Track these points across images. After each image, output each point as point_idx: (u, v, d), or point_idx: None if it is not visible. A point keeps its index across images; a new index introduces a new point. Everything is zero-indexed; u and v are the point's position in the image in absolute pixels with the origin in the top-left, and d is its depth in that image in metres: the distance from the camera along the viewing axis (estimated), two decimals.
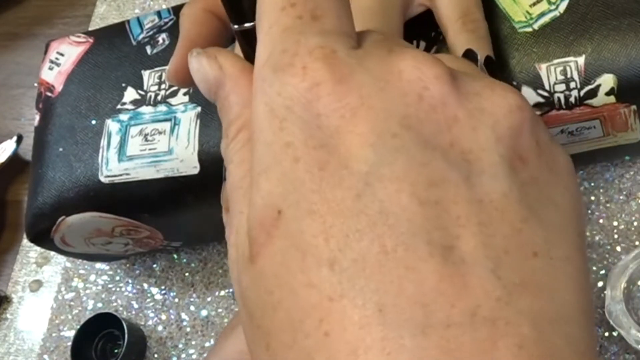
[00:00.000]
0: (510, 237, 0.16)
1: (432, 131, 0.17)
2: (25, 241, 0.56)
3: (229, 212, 0.31)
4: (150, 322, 0.50)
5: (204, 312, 0.49)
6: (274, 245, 0.17)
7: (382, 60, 0.18)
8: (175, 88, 0.42)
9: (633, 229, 0.43)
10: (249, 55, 0.21)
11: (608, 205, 0.44)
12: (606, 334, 0.41)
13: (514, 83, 0.37)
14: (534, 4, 0.38)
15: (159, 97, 0.43)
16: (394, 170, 0.16)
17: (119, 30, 0.47)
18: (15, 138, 0.59)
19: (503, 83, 0.19)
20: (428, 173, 0.16)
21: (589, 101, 0.37)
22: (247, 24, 0.22)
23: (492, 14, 0.37)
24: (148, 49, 0.45)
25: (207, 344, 0.48)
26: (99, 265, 0.53)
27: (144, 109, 0.43)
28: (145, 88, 0.43)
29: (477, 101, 0.18)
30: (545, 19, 0.38)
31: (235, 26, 0.22)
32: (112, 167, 0.42)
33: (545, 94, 0.37)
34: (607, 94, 0.36)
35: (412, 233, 0.16)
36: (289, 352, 0.16)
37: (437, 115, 0.17)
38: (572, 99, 0.37)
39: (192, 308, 0.49)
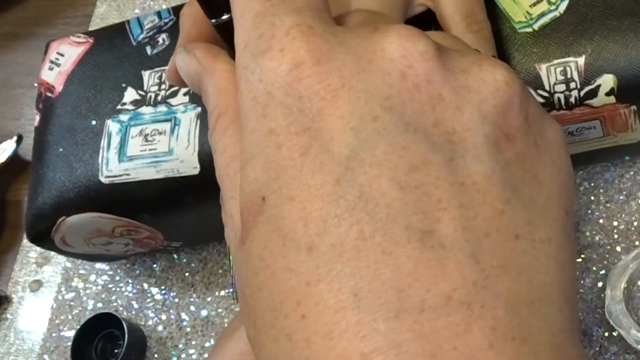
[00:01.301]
0: (492, 219, 0.16)
1: (415, 111, 0.17)
2: (25, 241, 0.56)
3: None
4: (150, 322, 0.50)
5: (204, 312, 0.49)
6: (259, 229, 0.17)
7: (365, 39, 0.18)
8: (175, 88, 0.42)
9: (633, 229, 0.43)
10: (231, 48, 0.20)
11: (608, 205, 0.44)
12: (606, 334, 0.41)
13: None
14: (534, 5, 0.38)
15: (159, 98, 0.43)
16: (375, 155, 0.16)
17: (119, 31, 0.47)
18: (15, 138, 0.59)
19: (492, 58, 0.18)
20: (409, 156, 0.16)
21: (589, 101, 0.37)
22: (224, 17, 0.22)
23: (492, 14, 0.37)
24: (148, 49, 0.45)
25: (207, 344, 0.48)
26: (99, 265, 0.53)
27: (144, 109, 0.43)
28: (145, 88, 0.43)
29: (464, 78, 0.17)
30: (545, 19, 0.38)
31: (212, 20, 0.22)
32: (112, 168, 0.42)
33: (545, 94, 0.37)
34: (607, 94, 0.36)
35: (391, 218, 0.16)
36: (270, 330, 0.17)
37: (421, 94, 0.17)
38: (572, 99, 0.37)
39: (192, 308, 0.49)
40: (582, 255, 0.43)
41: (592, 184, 0.45)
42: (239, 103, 0.18)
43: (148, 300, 0.50)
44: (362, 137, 0.16)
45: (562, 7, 0.38)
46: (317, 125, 0.17)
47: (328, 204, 0.16)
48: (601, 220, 0.44)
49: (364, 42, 0.17)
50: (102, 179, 0.42)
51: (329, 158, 0.16)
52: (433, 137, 0.17)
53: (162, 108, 0.42)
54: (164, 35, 0.45)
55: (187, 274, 0.51)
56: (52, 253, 0.53)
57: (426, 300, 0.15)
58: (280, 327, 0.17)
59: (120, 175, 0.41)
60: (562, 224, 0.18)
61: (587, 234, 0.43)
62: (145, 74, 0.44)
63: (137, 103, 0.43)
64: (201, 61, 0.22)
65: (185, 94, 0.42)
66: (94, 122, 0.44)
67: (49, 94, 0.46)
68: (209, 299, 0.49)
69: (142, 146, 0.41)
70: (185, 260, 0.51)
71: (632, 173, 0.44)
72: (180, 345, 0.48)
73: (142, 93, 0.43)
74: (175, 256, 0.51)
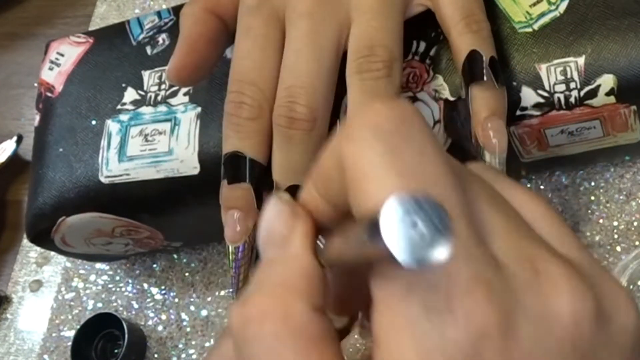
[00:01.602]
0: None
1: None
2: (25, 241, 0.56)
3: (225, 208, 0.29)
4: (150, 322, 0.50)
5: (204, 312, 0.49)
6: None
7: (536, 293, 0.16)
8: (175, 88, 0.42)
9: (633, 229, 0.43)
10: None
11: (608, 205, 0.44)
12: None
13: (514, 83, 0.37)
14: (534, 4, 0.38)
15: (159, 98, 0.43)
16: None
17: (119, 31, 0.47)
18: (15, 138, 0.59)
19: (623, 293, 0.18)
20: None
21: (589, 101, 0.37)
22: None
23: (492, 14, 0.37)
24: (148, 49, 0.45)
25: (207, 344, 0.48)
26: (99, 265, 0.53)
27: (144, 109, 0.43)
28: (145, 88, 0.43)
29: (610, 331, 0.17)
30: (545, 19, 0.38)
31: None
32: (112, 168, 0.42)
33: (545, 94, 0.37)
34: (607, 94, 0.36)
35: None
36: None
37: None
38: (572, 99, 0.37)
39: (192, 308, 0.49)
40: None
41: (592, 184, 0.45)
42: (396, 355, 0.16)
43: (148, 300, 0.50)
44: None
45: (562, 7, 0.38)
46: None
47: None
48: (601, 220, 0.44)
49: (536, 299, 0.16)
50: (102, 179, 0.42)
51: None
52: None
53: (162, 108, 0.42)
54: (164, 35, 0.45)
55: (187, 274, 0.51)
56: (52, 253, 0.53)
57: None
58: None
59: (120, 175, 0.41)
60: None
61: (587, 234, 0.43)
62: (145, 74, 0.44)
63: (137, 103, 0.43)
64: (293, 231, 0.20)
65: (185, 94, 0.42)
66: (94, 122, 0.44)
67: (49, 94, 0.46)
68: (209, 299, 0.49)
69: (142, 146, 0.41)
70: (185, 260, 0.51)
71: (632, 173, 0.44)
72: (180, 345, 0.48)
73: (142, 93, 0.43)
74: (175, 256, 0.51)
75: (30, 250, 0.55)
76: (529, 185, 0.45)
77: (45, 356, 0.51)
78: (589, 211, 0.44)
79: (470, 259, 0.16)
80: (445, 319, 0.16)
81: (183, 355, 0.48)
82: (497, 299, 0.16)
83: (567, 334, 0.16)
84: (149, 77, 0.44)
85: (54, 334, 0.51)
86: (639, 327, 0.17)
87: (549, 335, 0.16)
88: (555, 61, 0.37)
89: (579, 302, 0.16)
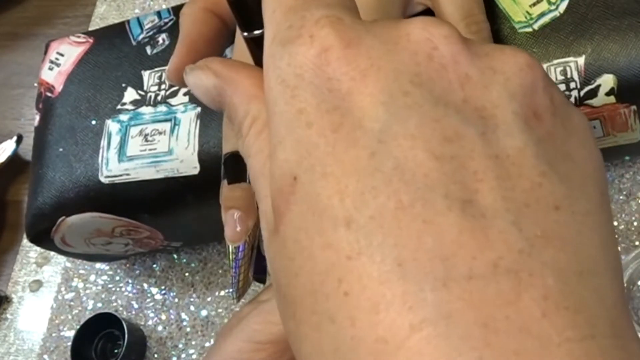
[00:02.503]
0: (530, 190, 0.16)
1: (444, 89, 0.17)
2: (25, 241, 0.56)
3: (225, 208, 0.30)
4: (150, 322, 0.50)
5: (204, 312, 0.49)
6: (292, 211, 0.17)
7: (391, 27, 0.18)
8: (175, 88, 0.42)
9: (633, 229, 0.43)
10: (259, 60, 0.20)
11: None
12: None
13: None
14: (534, 4, 0.38)
15: (159, 98, 0.43)
16: (407, 127, 0.16)
17: (119, 31, 0.47)
18: (15, 138, 0.59)
19: (511, 46, 0.19)
20: (442, 128, 0.16)
21: (589, 101, 0.37)
22: (256, 32, 0.22)
23: (492, 14, 0.37)
24: (148, 49, 0.45)
25: (207, 344, 0.48)
26: (99, 265, 0.53)
27: (144, 109, 0.43)
28: (145, 88, 0.43)
29: (487, 61, 0.18)
30: (545, 19, 0.38)
31: (245, 33, 0.22)
32: (112, 168, 0.42)
33: None
34: (607, 94, 0.36)
35: (429, 187, 0.16)
36: (311, 317, 0.16)
37: (449, 73, 0.17)
38: (572, 99, 0.37)
39: (192, 308, 0.49)
40: None
41: None
42: (266, 90, 0.18)
43: (148, 300, 0.50)
44: (393, 112, 0.17)
45: (562, 7, 0.38)
46: (347, 104, 0.17)
47: (364, 176, 0.16)
48: None
49: (389, 29, 0.18)
50: (102, 179, 0.42)
51: (362, 133, 0.17)
52: (463, 112, 0.17)
53: (162, 108, 0.42)
54: (163, 35, 0.45)
55: (187, 274, 0.51)
56: (52, 253, 0.53)
57: (473, 269, 0.15)
58: (322, 310, 0.16)
59: (120, 175, 0.41)
60: (599, 202, 0.18)
61: None
62: (145, 74, 0.44)
63: (137, 103, 0.43)
64: (220, 74, 0.21)
65: (185, 94, 0.42)
66: (93, 122, 0.44)
67: (49, 94, 0.46)
68: (209, 299, 0.49)
69: (142, 146, 0.41)
70: (185, 260, 0.51)
71: (632, 173, 0.44)
72: (180, 345, 0.48)
73: (142, 93, 0.43)
74: (175, 256, 0.51)
75: (30, 250, 0.55)
76: None
77: (45, 356, 0.51)
78: None
79: (329, 7, 0.18)
80: (294, 42, 0.18)
81: (183, 355, 0.48)
82: (342, 26, 0.18)
83: (419, 47, 0.17)
84: (148, 77, 0.44)
85: (53, 334, 0.51)
86: (531, 67, 0.18)
87: (399, 47, 0.17)
88: (555, 61, 0.37)
89: (431, 27, 0.18)
